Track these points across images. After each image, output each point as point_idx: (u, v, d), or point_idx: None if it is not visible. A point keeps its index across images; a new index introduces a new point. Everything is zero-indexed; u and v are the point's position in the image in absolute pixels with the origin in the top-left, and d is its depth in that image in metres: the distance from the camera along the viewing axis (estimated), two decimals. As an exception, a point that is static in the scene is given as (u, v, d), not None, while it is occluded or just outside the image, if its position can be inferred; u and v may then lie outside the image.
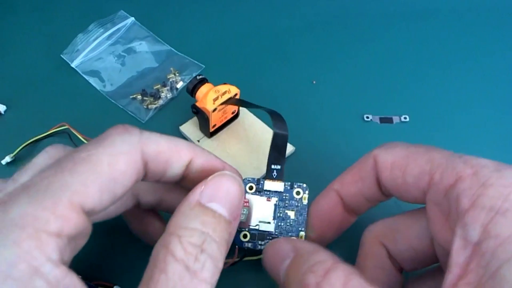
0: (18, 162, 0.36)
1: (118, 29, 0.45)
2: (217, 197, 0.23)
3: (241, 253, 0.28)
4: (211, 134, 0.36)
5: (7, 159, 0.36)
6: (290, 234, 0.27)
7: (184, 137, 0.37)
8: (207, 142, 0.36)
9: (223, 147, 0.36)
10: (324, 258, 0.21)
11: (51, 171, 0.20)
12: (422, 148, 0.24)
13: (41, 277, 0.17)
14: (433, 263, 0.26)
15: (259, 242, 0.27)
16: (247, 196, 0.27)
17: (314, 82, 0.42)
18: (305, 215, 0.28)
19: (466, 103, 0.40)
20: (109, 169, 0.20)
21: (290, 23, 0.47)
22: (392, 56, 0.44)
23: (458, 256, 0.20)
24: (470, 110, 0.40)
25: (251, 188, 0.27)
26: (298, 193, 0.28)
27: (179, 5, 0.49)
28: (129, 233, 0.30)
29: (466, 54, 0.44)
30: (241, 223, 0.27)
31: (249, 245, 0.27)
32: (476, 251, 0.19)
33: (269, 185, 0.27)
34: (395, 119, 0.39)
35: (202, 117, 0.34)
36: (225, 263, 0.28)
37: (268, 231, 0.27)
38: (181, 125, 0.38)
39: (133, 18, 0.46)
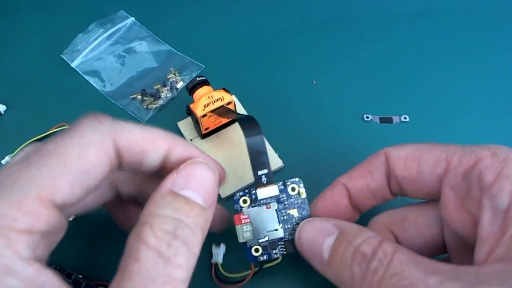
0: (18, 162, 0.36)
1: (118, 29, 0.45)
2: (189, 184, 0.22)
3: (258, 264, 0.28)
4: (203, 136, 0.36)
5: (7, 159, 0.36)
6: None
7: (181, 133, 0.37)
8: (199, 143, 0.36)
9: (213, 150, 0.36)
10: (373, 234, 0.23)
11: (16, 166, 0.19)
12: (433, 143, 0.25)
13: (13, 275, 0.17)
14: (440, 254, 0.26)
15: (273, 251, 0.27)
16: (245, 211, 0.26)
17: (314, 82, 0.42)
18: (308, 209, 0.27)
19: (466, 103, 0.40)
20: (79, 161, 0.20)
21: (290, 23, 0.47)
22: (392, 56, 0.44)
23: (490, 225, 0.21)
24: (470, 110, 0.40)
25: (245, 201, 0.27)
26: (293, 189, 0.27)
27: (179, 5, 0.49)
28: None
29: (466, 54, 0.44)
30: (249, 240, 0.26)
31: (264, 257, 0.27)
32: (507, 216, 0.20)
33: (262, 192, 0.27)
34: (395, 119, 0.39)
35: (194, 119, 0.34)
36: (245, 277, 0.28)
37: (278, 238, 0.27)
38: (179, 121, 0.38)
39: (133, 18, 0.46)
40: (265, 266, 0.28)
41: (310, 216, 0.27)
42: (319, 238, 0.24)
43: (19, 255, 0.17)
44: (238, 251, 0.27)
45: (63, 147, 0.20)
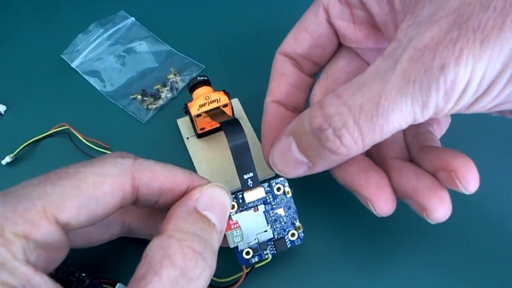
0: (18, 162, 0.36)
1: (118, 29, 0.45)
2: (211, 206, 0.23)
3: (250, 266, 0.28)
4: (199, 136, 0.36)
5: (7, 159, 0.36)
6: (287, 230, 0.27)
7: (179, 130, 0.37)
8: (194, 142, 0.36)
9: (207, 151, 0.36)
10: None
11: (34, 181, 0.20)
12: None
13: (8, 272, 0.17)
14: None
15: (264, 252, 0.27)
16: (234, 217, 0.27)
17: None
18: (294, 207, 0.28)
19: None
20: (93, 188, 0.21)
21: (290, 23, 0.47)
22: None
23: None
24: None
25: (232, 207, 0.27)
26: (279, 189, 0.27)
27: (179, 5, 0.49)
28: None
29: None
30: (240, 244, 0.27)
31: (255, 258, 0.27)
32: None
33: (249, 196, 0.27)
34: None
35: (190, 117, 0.34)
36: (237, 279, 0.28)
37: (268, 239, 0.27)
38: (179, 118, 0.38)
39: (133, 18, 0.46)
40: (256, 266, 0.29)
41: (296, 213, 0.28)
42: (286, 154, 0.25)
43: (13, 254, 0.18)
44: (228, 255, 0.27)
45: (82, 173, 0.21)
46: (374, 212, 0.25)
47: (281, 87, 0.30)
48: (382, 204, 0.25)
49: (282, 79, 0.30)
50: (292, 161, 0.25)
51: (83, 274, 0.26)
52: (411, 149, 0.27)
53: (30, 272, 0.18)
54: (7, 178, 0.35)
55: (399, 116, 0.20)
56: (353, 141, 0.21)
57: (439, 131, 0.28)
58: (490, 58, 0.17)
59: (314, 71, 0.31)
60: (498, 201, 0.33)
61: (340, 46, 0.29)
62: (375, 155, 0.27)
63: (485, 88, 0.19)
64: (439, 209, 0.23)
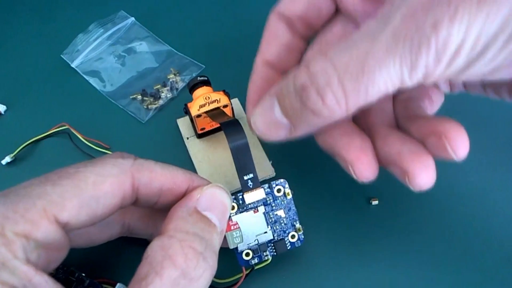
0: (18, 162, 0.36)
1: (118, 29, 0.45)
2: (211, 207, 0.23)
3: (249, 267, 0.28)
4: (199, 136, 0.36)
5: (7, 159, 0.36)
6: (288, 231, 0.27)
7: (179, 130, 0.37)
8: (194, 142, 0.36)
9: (207, 151, 0.36)
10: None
11: (35, 181, 0.21)
12: None
13: (8, 271, 0.17)
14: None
15: (264, 253, 0.27)
16: (234, 218, 0.26)
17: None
18: (294, 208, 0.28)
19: (466, 101, 0.40)
20: (93, 187, 0.21)
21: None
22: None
23: None
24: (469, 108, 0.40)
25: (232, 208, 0.27)
26: (279, 190, 0.27)
27: (179, 5, 0.49)
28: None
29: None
30: (240, 245, 0.27)
31: (255, 260, 0.27)
32: None
33: (249, 197, 0.27)
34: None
35: (190, 117, 0.35)
36: (237, 280, 0.28)
37: (268, 240, 0.27)
38: (179, 118, 0.38)
39: (133, 18, 0.46)
40: (256, 267, 0.29)
41: (296, 215, 0.28)
42: (268, 115, 0.23)
43: (14, 254, 0.18)
44: (228, 256, 0.27)
45: (82, 173, 0.21)
46: (354, 176, 0.24)
47: (272, 48, 0.29)
48: (363, 166, 0.23)
49: (274, 40, 0.29)
50: (273, 123, 0.23)
51: (83, 274, 0.26)
52: (400, 119, 0.26)
53: (31, 272, 0.18)
54: (7, 178, 0.35)
55: (385, 77, 0.18)
56: (336, 102, 0.20)
57: (431, 108, 0.27)
58: (487, 18, 0.16)
59: (308, 34, 0.29)
60: (499, 200, 0.33)
61: (336, 13, 0.28)
62: (362, 123, 0.26)
63: (479, 50, 0.17)
64: (422, 174, 0.22)
